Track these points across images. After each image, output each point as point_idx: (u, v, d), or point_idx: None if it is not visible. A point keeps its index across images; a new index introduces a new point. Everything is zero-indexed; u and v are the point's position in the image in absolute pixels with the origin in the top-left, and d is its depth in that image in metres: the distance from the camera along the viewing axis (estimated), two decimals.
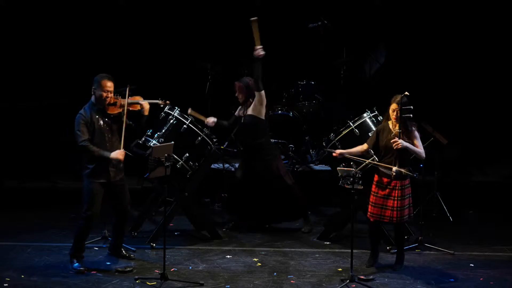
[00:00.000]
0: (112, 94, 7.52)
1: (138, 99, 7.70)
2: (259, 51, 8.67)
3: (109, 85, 7.48)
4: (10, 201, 10.36)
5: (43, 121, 11.58)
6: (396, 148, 7.33)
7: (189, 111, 8.70)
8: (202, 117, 8.86)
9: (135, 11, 11.68)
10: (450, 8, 11.52)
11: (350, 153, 7.67)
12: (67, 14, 11.61)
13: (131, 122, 7.67)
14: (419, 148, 7.45)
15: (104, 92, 7.45)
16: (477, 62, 11.57)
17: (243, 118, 8.84)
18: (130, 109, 7.62)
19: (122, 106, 7.55)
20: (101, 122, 7.49)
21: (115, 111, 7.55)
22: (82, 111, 7.49)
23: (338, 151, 7.70)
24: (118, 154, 7.39)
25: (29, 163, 11.39)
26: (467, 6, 11.47)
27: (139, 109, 7.64)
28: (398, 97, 7.44)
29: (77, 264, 7.47)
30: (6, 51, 11.57)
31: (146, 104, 7.67)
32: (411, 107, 7.38)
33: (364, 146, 7.71)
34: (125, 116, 7.52)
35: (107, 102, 7.48)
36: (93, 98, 7.53)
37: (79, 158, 7.57)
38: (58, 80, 11.70)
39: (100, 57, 11.48)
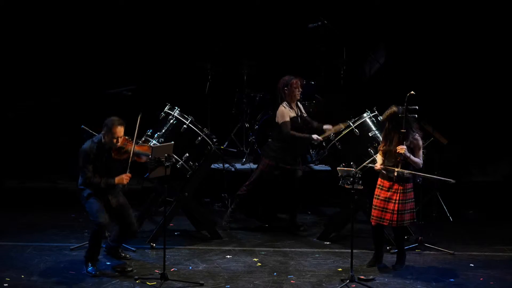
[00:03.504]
0: (123, 137, 7.42)
1: (146, 149, 7.56)
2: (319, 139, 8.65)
3: (121, 130, 7.36)
4: (10, 201, 10.35)
5: (43, 121, 11.58)
6: (399, 152, 7.33)
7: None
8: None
9: (135, 11, 11.68)
10: (450, 8, 11.52)
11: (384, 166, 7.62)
12: (67, 14, 11.61)
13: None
14: (418, 158, 7.46)
15: (114, 138, 7.36)
16: (477, 62, 11.56)
17: (301, 117, 8.92)
18: (136, 159, 7.51)
19: (127, 153, 7.43)
20: (106, 158, 7.44)
21: (121, 157, 7.47)
22: (88, 146, 7.38)
23: (379, 166, 7.60)
24: (121, 178, 7.38)
25: (29, 163, 11.38)
26: (467, 6, 11.46)
27: (144, 162, 7.49)
28: (390, 110, 7.43)
29: (91, 268, 7.43)
30: (6, 51, 11.57)
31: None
32: (416, 107, 7.38)
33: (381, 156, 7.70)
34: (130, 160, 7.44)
35: (116, 147, 7.39)
36: (102, 138, 7.42)
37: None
38: (58, 80, 11.69)
39: (100, 57, 11.48)
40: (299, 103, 9.00)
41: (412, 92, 7.34)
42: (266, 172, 8.88)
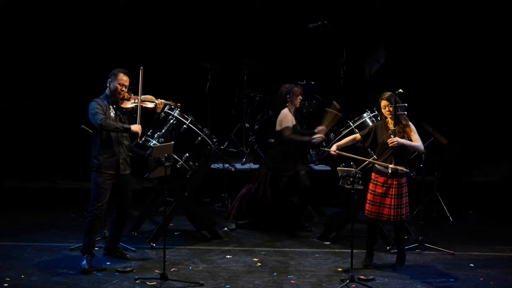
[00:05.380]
0: (126, 89, 7.57)
1: (151, 98, 7.75)
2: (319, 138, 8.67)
3: (125, 79, 7.55)
4: (10, 201, 10.36)
5: (43, 121, 11.58)
6: (391, 146, 7.34)
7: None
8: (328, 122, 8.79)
9: (135, 11, 11.68)
10: (450, 8, 11.52)
11: (342, 145, 7.69)
12: (67, 14, 11.62)
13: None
14: (417, 142, 7.46)
15: (119, 85, 7.50)
16: (477, 62, 11.57)
17: (298, 123, 9.00)
18: (143, 105, 7.65)
19: (135, 102, 7.60)
20: (113, 114, 7.54)
21: (128, 105, 7.62)
22: (96, 99, 7.52)
23: (333, 147, 7.70)
24: (136, 127, 7.49)
25: (29, 163, 11.39)
26: (467, 6, 11.47)
27: (151, 107, 7.70)
28: (386, 94, 7.48)
29: (84, 262, 7.48)
30: (6, 51, 11.57)
31: (160, 101, 7.74)
32: (405, 104, 7.40)
33: (357, 136, 7.72)
34: (139, 112, 7.58)
35: (121, 96, 7.54)
36: (107, 90, 7.57)
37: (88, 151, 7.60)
38: (58, 80, 11.70)
39: (100, 57, 11.48)
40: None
41: (401, 90, 7.35)
42: (272, 182, 8.89)
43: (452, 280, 7.37)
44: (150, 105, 7.72)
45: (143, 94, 7.67)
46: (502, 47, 11.55)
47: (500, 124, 11.64)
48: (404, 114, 7.41)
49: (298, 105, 8.95)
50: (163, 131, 8.38)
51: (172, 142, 7.42)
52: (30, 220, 9.37)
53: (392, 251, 8.08)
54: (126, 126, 7.49)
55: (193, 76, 11.35)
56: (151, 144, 8.19)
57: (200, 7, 11.70)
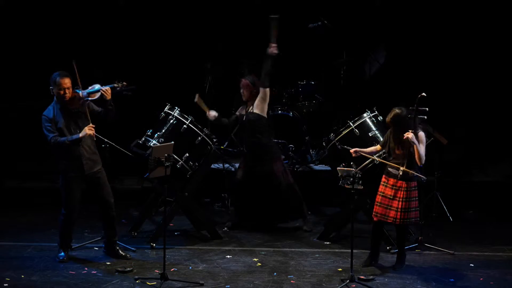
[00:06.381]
0: (70, 90, 7.57)
1: (94, 86, 7.75)
2: (273, 49, 8.71)
3: (66, 81, 7.55)
4: (10, 201, 10.36)
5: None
6: (405, 137, 7.29)
7: (196, 98, 8.81)
8: (205, 108, 8.91)
9: (135, 11, 11.68)
10: (450, 8, 11.52)
11: (364, 152, 7.67)
12: (67, 14, 11.61)
13: (99, 109, 7.72)
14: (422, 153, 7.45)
15: (61, 90, 7.53)
16: (477, 62, 11.56)
17: (245, 115, 8.85)
18: (90, 98, 7.66)
19: (81, 98, 7.60)
20: (66, 119, 7.56)
21: (77, 104, 7.61)
22: (45, 112, 7.60)
23: (354, 149, 7.68)
24: (86, 130, 7.46)
25: (29, 163, 11.38)
26: (467, 6, 11.46)
27: (98, 96, 7.68)
28: (392, 114, 7.43)
29: (62, 253, 7.71)
30: (6, 51, 11.56)
31: (106, 88, 7.67)
32: (426, 109, 7.38)
33: (377, 148, 7.73)
34: (87, 108, 7.60)
35: (66, 98, 7.54)
36: (54, 97, 7.62)
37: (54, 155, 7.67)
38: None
39: (100, 57, 11.48)
40: (254, 103, 8.92)
41: (424, 94, 7.32)
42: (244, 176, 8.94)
43: (452, 280, 7.37)
44: (97, 95, 7.68)
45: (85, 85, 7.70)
46: (503, 46, 11.55)
47: (500, 124, 11.63)
48: (424, 118, 7.39)
49: (243, 97, 8.94)
50: (163, 131, 8.39)
51: (172, 142, 7.42)
52: (30, 220, 9.37)
53: (392, 251, 8.08)
54: (75, 137, 7.47)
55: (193, 76, 11.34)
56: (151, 144, 8.20)
57: (200, 7, 11.69)
